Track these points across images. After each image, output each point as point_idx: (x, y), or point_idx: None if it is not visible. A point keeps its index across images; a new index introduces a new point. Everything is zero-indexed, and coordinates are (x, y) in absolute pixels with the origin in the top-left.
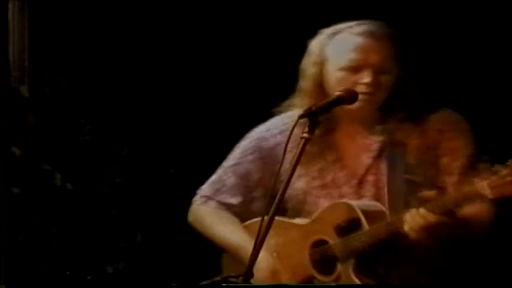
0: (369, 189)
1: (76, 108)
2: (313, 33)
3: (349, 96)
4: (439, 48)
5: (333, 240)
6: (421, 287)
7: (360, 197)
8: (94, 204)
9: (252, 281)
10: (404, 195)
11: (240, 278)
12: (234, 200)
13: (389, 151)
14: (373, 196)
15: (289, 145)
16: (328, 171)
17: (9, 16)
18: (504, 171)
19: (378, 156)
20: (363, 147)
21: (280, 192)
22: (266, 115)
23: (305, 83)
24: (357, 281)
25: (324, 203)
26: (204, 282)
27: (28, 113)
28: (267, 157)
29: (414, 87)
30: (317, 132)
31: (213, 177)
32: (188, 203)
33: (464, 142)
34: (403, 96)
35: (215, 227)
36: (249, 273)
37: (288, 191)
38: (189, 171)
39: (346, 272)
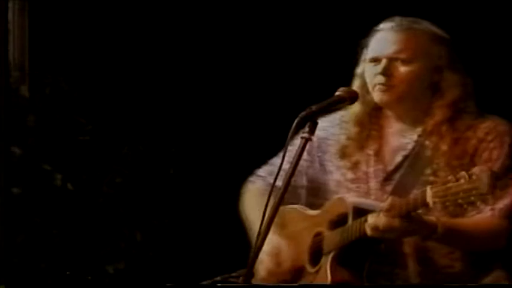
0: (392, 187)
1: (76, 108)
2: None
3: (350, 96)
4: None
5: (325, 232)
6: (420, 287)
7: (384, 193)
8: (94, 204)
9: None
10: None
11: (241, 278)
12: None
13: (419, 151)
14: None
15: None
16: (363, 164)
17: (9, 16)
18: (449, 179)
19: (409, 155)
20: (400, 145)
21: (281, 190)
22: (266, 116)
23: (355, 80)
24: (329, 273)
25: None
26: (204, 282)
27: (28, 113)
28: (317, 148)
29: (452, 87)
30: (361, 127)
31: (273, 159)
32: (188, 203)
33: (500, 154)
34: (441, 96)
35: (249, 208)
36: (249, 274)
37: (330, 183)
38: (189, 172)
39: (325, 263)
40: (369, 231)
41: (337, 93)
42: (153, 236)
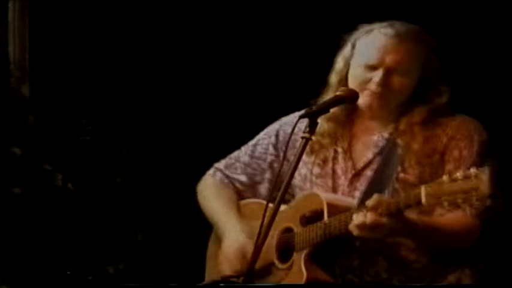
0: (362, 183)
1: (77, 108)
2: (352, 28)
3: (350, 96)
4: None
5: (296, 228)
6: (419, 287)
7: (353, 189)
8: (95, 204)
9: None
10: (396, 192)
11: (241, 278)
12: (241, 178)
13: (390, 149)
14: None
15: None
16: (331, 161)
17: (10, 16)
18: (444, 179)
19: (380, 153)
20: (370, 142)
21: (282, 190)
22: (267, 115)
23: (332, 76)
24: (305, 270)
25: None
26: (204, 282)
27: (29, 113)
28: (282, 142)
29: (440, 94)
30: (333, 124)
31: (233, 153)
32: (188, 203)
33: (471, 152)
34: (424, 101)
35: (210, 200)
36: (250, 273)
37: (296, 178)
38: (190, 171)
39: (298, 260)
40: (355, 231)
41: (337, 92)
42: (153, 236)
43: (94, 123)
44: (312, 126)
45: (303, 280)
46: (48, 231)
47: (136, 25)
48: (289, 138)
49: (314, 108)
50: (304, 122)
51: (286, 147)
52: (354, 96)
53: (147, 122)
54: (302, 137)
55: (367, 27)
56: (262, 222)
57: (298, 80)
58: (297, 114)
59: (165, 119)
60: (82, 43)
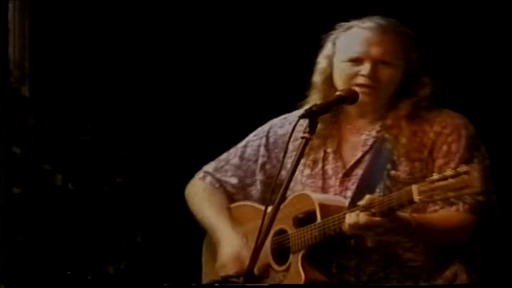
0: (354, 182)
1: (77, 108)
2: (329, 28)
3: (350, 96)
4: (451, 48)
5: (290, 230)
6: (419, 287)
7: (344, 189)
8: (95, 204)
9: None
10: (388, 190)
11: (241, 278)
12: (232, 180)
13: (379, 146)
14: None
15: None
16: (321, 161)
17: (10, 16)
18: (435, 177)
19: (369, 151)
20: (359, 142)
21: (280, 193)
22: (266, 115)
23: (316, 77)
24: (303, 272)
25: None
26: (204, 283)
27: (29, 113)
28: (273, 144)
29: (424, 86)
30: (321, 125)
31: (222, 155)
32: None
33: (459, 147)
34: (408, 94)
35: (202, 205)
36: (249, 274)
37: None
38: (190, 172)
39: (295, 262)
40: (348, 230)
41: (337, 93)
42: (153, 236)
43: (94, 123)
44: (312, 127)
45: (301, 282)
46: (48, 231)
47: (135, 25)
48: (289, 138)
49: (314, 108)
50: (293, 123)
51: (286, 146)
52: (354, 96)
53: (147, 122)
54: (302, 137)
55: (345, 25)
56: (262, 225)
57: (287, 84)
58: (287, 115)
59: (165, 119)
60: (82, 43)
